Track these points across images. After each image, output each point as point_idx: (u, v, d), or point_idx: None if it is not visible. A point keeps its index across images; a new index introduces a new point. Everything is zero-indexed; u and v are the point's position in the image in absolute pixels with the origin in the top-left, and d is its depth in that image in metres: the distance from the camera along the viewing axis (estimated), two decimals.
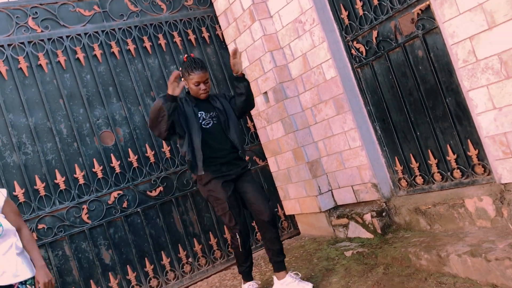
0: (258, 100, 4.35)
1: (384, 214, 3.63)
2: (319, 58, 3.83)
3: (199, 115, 3.11)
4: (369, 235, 3.69)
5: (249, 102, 3.25)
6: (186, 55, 3.19)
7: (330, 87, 3.80)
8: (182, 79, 3.13)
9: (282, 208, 4.53)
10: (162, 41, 4.35)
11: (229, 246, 3.41)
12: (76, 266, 3.61)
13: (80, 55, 3.96)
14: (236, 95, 3.23)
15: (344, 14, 3.68)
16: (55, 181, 3.66)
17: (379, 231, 3.59)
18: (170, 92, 2.88)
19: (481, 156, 3.04)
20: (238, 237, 3.09)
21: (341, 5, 3.70)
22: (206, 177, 3.08)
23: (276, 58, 4.15)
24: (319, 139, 4.08)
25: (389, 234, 3.55)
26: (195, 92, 3.12)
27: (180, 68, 3.16)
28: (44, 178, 3.63)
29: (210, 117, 3.14)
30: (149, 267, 3.86)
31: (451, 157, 3.22)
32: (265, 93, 4.28)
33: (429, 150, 3.36)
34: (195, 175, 3.13)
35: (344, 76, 3.74)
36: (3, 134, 3.59)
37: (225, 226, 4.07)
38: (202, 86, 3.09)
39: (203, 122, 3.11)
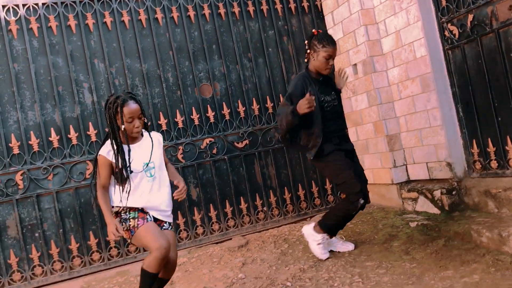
0: (347, 71, 4.58)
1: (454, 192, 3.77)
2: (411, 36, 3.97)
3: (322, 98, 3.24)
4: (436, 211, 3.86)
5: None
6: (314, 30, 3.35)
7: (419, 65, 3.94)
8: (308, 50, 3.26)
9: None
10: (264, 7, 4.68)
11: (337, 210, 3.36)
12: None
13: (191, 13, 4.41)
14: None
15: None
16: (159, 121, 4.19)
17: (446, 208, 3.76)
18: (300, 111, 3.04)
19: None
20: (361, 202, 3.18)
21: None
22: (327, 148, 3.22)
23: (370, 32, 4.33)
24: (401, 115, 4.25)
25: (455, 212, 3.70)
26: (321, 66, 3.22)
27: (306, 42, 3.34)
28: (150, 118, 4.17)
29: (331, 100, 3.31)
30: (228, 209, 4.33)
31: None
32: (355, 65, 4.50)
33: (508, 137, 3.44)
34: (309, 156, 3.28)
35: (434, 56, 3.86)
36: (120, 76, 4.16)
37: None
38: (330, 62, 3.21)
39: (325, 105, 3.26)
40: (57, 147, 3.88)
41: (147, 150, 2.66)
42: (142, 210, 2.62)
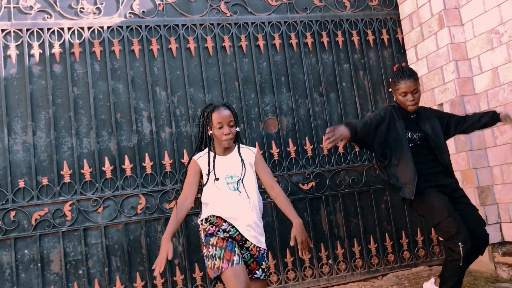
0: None
1: None
2: None
3: (410, 135, 2.94)
4: None
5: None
6: (397, 65, 3.06)
7: None
8: (390, 89, 3.05)
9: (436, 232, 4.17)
10: (340, 38, 4.30)
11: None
12: None
13: (261, 42, 4.11)
14: (473, 125, 3.02)
15: None
16: None
17: None
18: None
19: None
20: (461, 247, 2.65)
21: None
22: (417, 188, 2.84)
23: (460, 69, 3.82)
24: (495, 164, 3.65)
25: None
26: (402, 103, 2.94)
27: (390, 80, 3.09)
28: None
29: (416, 138, 2.95)
30: (289, 259, 3.85)
31: None
32: (441, 104, 3.97)
33: None
34: (403, 197, 2.91)
35: None
36: (182, 105, 3.88)
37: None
38: (409, 97, 2.90)
39: (409, 143, 2.93)
40: (110, 177, 3.62)
41: (236, 164, 2.51)
42: (228, 246, 2.35)
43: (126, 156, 3.68)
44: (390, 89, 3.04)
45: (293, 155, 4.02)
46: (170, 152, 3.77)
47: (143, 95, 3.81)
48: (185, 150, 3.79)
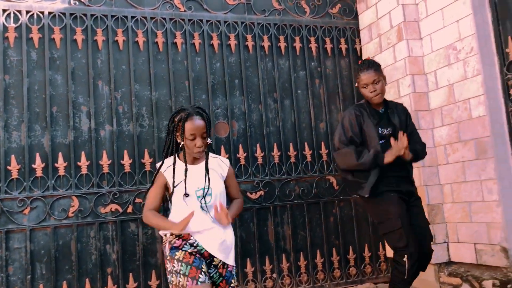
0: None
1: (510, 286, 3.05)
2: (468, 92, 3.38)
3: (380, 131, 2.86)
4: None
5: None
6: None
7: (475, 126, 3.32)
8: (356, 85, 2.98)
9: (384, 248, 4.08)
10: (298, 44, 4.16)
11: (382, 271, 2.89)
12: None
13: (215, 42, 3.90)
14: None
15: (511, 48, 3.20)
16: None
17: None
18: (390, 158, 2.70)
19: None
20: (407, 260, 2.64)
21: (509, 37, 3.22)
22: (379, 188, 2.79)
23: (416, 83, 3.76)
24: (446, 182, 3.59)
25: None
26: (366, 95, 2.88)
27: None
28: (152, 154, 3.59)
29: (388, 133, 2.87)
30: None
31: None
32: None
33: None
34: (361, 193, 2.84)
35: (494, 117, 3.25)
36: (126, 102, 3.61)
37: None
38: (370, 88, 2.84)
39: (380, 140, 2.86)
40: (40, 176, 3.30)
41: (204, 178, 2.35)
42: (195, 262, 2.22)
43: (60, 153, 3.37)
44: (356, 85, 2.98)
45: (242, 162, 3.83)
46: (109, 152, 3.49)
47: (84, 88, 3.52)
48: (125, 151, 3.52)
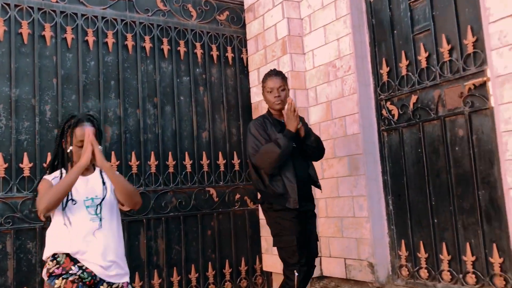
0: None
1: None
2: (345, 109, 3.45)
3: None
4: None
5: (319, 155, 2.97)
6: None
7: (349, 143, 3.40)
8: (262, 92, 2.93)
9: (260, 262, 4.03)
10: (182, 49, 3.98)
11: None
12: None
13: (90, 38, 3.58)
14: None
15: (385, 69, 3.32)
16: (20, 164, 3.20)
17: None
18: (293, 128, 2.67)
19: (506, 267, 2.59)
20: (296, 275, 2.64)
21: (383, 59, 3.35)
22: (279, 203, 2.74)
23: (298, 98, 3.77)
24: (321, 197, 3.63)
25: None
26: (270, 102, 2.85)
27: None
28: (9, 159, 3.17)
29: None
30: None
31: (469, 258, 2.77)
32: None
33: (444, 243, 2.92)
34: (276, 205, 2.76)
35: (367, 135, 3.34)
36: None
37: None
38: (275, 93, 2.82)
39: None
40: None
41: (97, 186, 2.20)
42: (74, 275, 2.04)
43: None
44: (262, 92, 2.93)
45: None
46: None
47: None
48: None
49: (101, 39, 3.64)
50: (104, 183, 2.22)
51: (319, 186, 3.00)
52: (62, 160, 2.22)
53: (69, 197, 2.10)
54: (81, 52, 3.55)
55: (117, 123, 3.63)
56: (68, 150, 2.18)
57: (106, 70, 3.64)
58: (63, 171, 2.19)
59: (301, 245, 2.70)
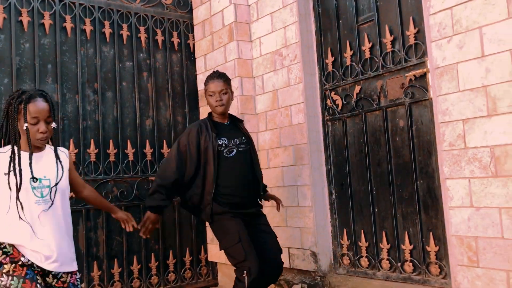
0: None
1: None
2: (291, 99, 3.43)
3: (220, 141, 2.74)
4: None
5: None
6: None
7: (295, 133, 3.38)
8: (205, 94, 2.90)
9: (205, 252, 3.98)
10: (125, 32, 3.83)
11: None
12: None
13: (25, 19, 3.38)
14: None
15: (330, 59, 3.32)
16: None
17: None
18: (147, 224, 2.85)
19: (441, 255, 2.66)
20: (246, 276, 2.55)
21: (329, 48, 3.34)
22: (216, 208, 2.70)
23: (244, 86, 3.72)
24: (269, 187, 3.60)
25: None
26: (212, 106, 2.81)
27: None
28: None
29: (234, 144, 2.78)
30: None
31: (407, 246, 2.82)
32: None
33: (383, 232, 2.96)
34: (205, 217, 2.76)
35: (312, 125, 3.34)
36: None
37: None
38: (217, 96, 2.76)
39: (225, 150, 2.75)
40: None
41: (49, 166, 2.09)
42: (29, 274, 1.95)
43: None
44: (204, 94, 2.89)
45: None
46: None
47: None
48: None
49: (37, 20, 3.43)
50: (60, 163, 2.12)
51: (263, 187, 2.99)
52: (14, 137, 2.05)
53: (31, 175, 1.99)
54: (15, 33, 3.34)
55: (55, 109, 3.45)
56: (24, 128, 2.02)
57: (42, 53, 3.45)
58: (15, 148, 2.03)
59: (247, 244, 2.64)
